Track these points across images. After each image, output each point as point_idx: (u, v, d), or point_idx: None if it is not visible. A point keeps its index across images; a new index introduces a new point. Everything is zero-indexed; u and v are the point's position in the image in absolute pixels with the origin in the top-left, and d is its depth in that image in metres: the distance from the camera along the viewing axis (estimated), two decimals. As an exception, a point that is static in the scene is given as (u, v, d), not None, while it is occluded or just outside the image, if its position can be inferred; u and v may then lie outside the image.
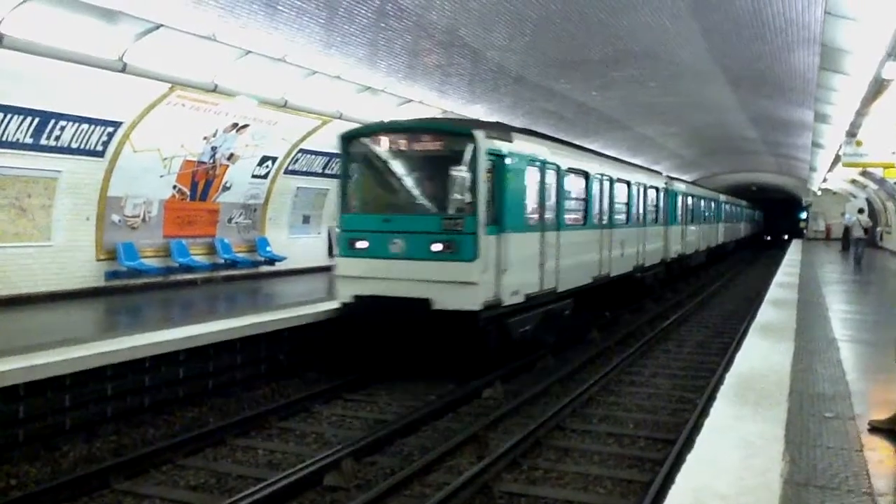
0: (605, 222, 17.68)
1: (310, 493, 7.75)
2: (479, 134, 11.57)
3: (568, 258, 14.56)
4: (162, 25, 13.09)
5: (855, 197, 42.61)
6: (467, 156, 11.55)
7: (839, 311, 13.30)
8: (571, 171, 15.25)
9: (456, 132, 12.13)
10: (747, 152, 39.75)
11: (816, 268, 24.13)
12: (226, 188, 19.88)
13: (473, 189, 11.53)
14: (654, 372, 13.95)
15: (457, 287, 11.36)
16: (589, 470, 8.70)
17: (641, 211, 21.44)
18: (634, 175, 20.82)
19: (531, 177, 13.28)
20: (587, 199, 16.39)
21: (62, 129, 14.65)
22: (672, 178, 27.50)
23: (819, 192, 47.06)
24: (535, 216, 13.47)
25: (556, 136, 17.19)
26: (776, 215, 69.64)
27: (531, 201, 13.33)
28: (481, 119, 18.71)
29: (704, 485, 4.77)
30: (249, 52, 14.58)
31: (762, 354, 8.92)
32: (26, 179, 14.85)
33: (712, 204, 37.54)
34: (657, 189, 23.58)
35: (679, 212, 27.37)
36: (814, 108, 20.14)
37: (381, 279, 11.79)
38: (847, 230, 36.15)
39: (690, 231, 29.83)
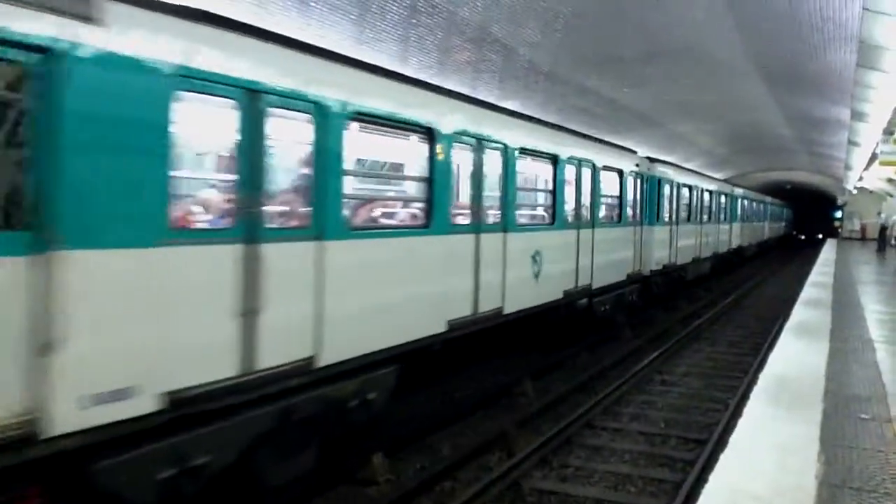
0: (482, 223, 9.80)
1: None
2: None
3: (355, 294, 7.33)
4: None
5: (892, 196, 41.87)
6: None
7: (875, 311, 13.09)
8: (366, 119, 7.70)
9: None
10: (781, 150, 39.19)
11: (851, 268, 23.77)
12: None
13: None
14: (686, 371, 13.85)
15: None
16: (619, 468, 8.68)
17: (584, 205, 13.78)
18: (562, 147, 12.71)
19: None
20: (430, 186, 8.64)
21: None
22: (655, 161, 19.96)
23: (854, 191, 46.31)
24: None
25: (588, 133, 17.03)
26: (810, 214, 68.67)
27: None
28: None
29: (739, 485, 4.73)
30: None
31: (797, 355, 8.80)
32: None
33: (722, 199, 30.47)
34: (622, 174, 16.00)
35: (667, 208, 20.41)
36: (850, 105, 19.81)
37: None
38: (883, 230, 35.61)
39: (686, 233, 22.72)
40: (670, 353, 15.05)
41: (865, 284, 18.69)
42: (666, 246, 20.20)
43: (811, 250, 38.66)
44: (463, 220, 9.46)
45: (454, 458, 8.47)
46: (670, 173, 21.14)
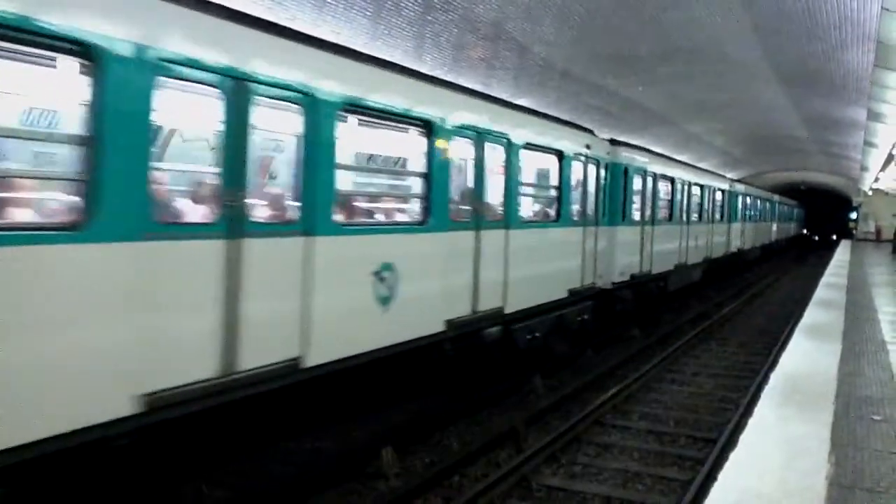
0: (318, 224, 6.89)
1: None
2: None
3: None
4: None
5: (907, 198, 41.58)
6: None
7: (889, 313, 13.01)
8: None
9: None
10: (796, 151, 38.96)
11: (865, 269, 23.61)
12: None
13: None
14: (696, 371, 13.82)
15: None
16: (628, 466, 8.68)
17: (490, 197, 10.07)
18: (442, 109, 8.74)
19: None
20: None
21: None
22: (620, 144, 16.34)
23: (870, 193, 45.99)
24: None
25: (599, 131, 17.03)
26: (824, 215, 68.25)
27: None
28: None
29: (748, 485, 4.73)
30: (297, 43, 14.70)
31: (808, 355, 8.77)
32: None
33: (718, 195, 26.97)
34: (563, 158, 12.20)
35: (638, 204, 17.02)
36: (867, 106, 19.69)
37: None
38: (899, 232, 35.37)
39: (667, 235, 19.26)
40: (679, 353, 15.02)
41: (879, 286, 18.57)
42: (636, 251, 16.44)
43: (825, 252, 38.19)
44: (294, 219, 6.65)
45: (463, 454, 8.49)
46: (642, 161, 17.11)
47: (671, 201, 20.11)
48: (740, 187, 32.13)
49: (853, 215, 56.43)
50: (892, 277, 22.48)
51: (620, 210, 15.53)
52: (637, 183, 16.79)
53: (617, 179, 15.35)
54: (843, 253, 31.17)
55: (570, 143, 12.58)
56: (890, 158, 23.58)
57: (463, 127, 9.13)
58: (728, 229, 28.86)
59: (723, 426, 10.02)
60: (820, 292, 15.61)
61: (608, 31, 15.95)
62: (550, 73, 18.76)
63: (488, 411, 10.50)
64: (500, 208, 10.13)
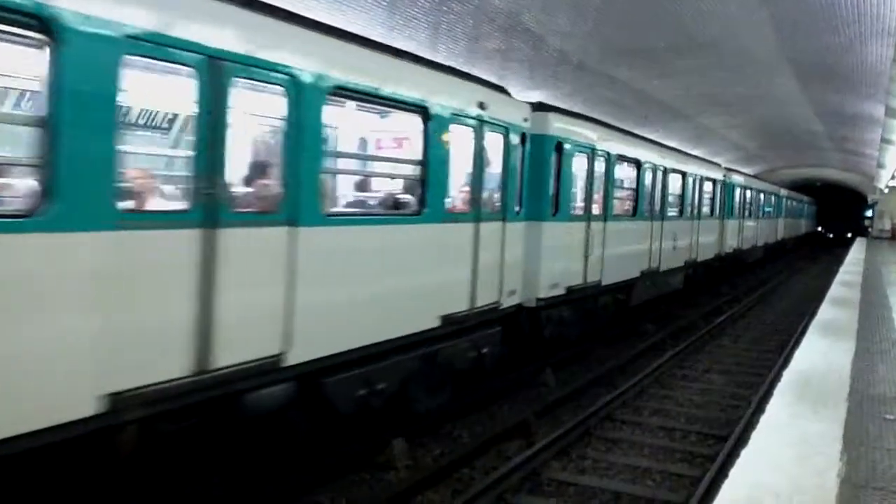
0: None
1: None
2: None
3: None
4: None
5: (924, 196, 41.23)
6: None
7: (904, 312, 12.92)
8: None
9: None
10: (812, 147, 38.70)
11: (881, 268, 23.43)
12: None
13: None
14: (708, 367, 13.77)
15: None
16: (638, 462, 8.66)
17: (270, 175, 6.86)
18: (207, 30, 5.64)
19: None
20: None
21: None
22: (551, 111, 12.29)
23: (886, 190, 45.62)
24: None
25: (611, 122, 16.87)
26: (839, 212, 67.79)
27: None
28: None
29: (759, 481, 4.70)
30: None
31: (822, 353, 8.70)
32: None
33: (708, 186, 22.55)
34: (429, 120, 8.15)
35: (580, 192, 13.13)
36: (885, 102, 19.51)
37: None
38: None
39: (629, 233, 15.33)
40: (691, 349, 14.96)
41: (894, 285, 18.44)
42: (576, 254, 12.47)
43: (840, 250, 37.45)
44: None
45: (473, 446, 8.49)
46: (588, 136, 12.87)
47: (637, 191, 15.75)
48: (738, 178, 27.84)
49: (868, 213, 56.04)
50: (907, 275, 22.31)
51: (549, 200, 11.56)
52: (579, 164, 12.69)
53: (543, 157, 11.29)
54: (857, 251, 30.95)
55: (445, 98, 8.33)
56: (907, 155, 23.36)
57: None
58: (722, 227, 24.36)
59: (734, 423, 9.97)
60: (834, 290, 15.50)
61: (623, 22, 15.86)
62: (565, 65, 18.68)
63: (499, 404, 10.49)
64: (281, 196, 6.34)
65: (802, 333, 11.00)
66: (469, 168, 9.22)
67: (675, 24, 16.02)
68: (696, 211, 20.79)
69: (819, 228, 68.00)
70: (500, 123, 9.56)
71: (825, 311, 12.23)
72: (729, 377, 13.03)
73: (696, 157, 23.09)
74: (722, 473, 6.96)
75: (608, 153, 13.77)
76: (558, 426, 9.25)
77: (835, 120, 28.36)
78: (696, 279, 21.60)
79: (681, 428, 10.00)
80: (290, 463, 7.17)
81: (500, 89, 10.24)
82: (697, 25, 16.03)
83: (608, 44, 17.51)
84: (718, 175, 24.17)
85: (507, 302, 10.05)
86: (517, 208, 10.19)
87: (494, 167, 9.73)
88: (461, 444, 8.78)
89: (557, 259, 11.78)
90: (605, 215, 13.64)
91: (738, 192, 27.16)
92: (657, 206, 17.17)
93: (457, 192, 9.22)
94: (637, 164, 15.74)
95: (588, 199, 13.06)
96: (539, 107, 11.70)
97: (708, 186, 22.56)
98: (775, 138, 35.96)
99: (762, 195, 33.66)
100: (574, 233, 12.44)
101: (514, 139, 10.02)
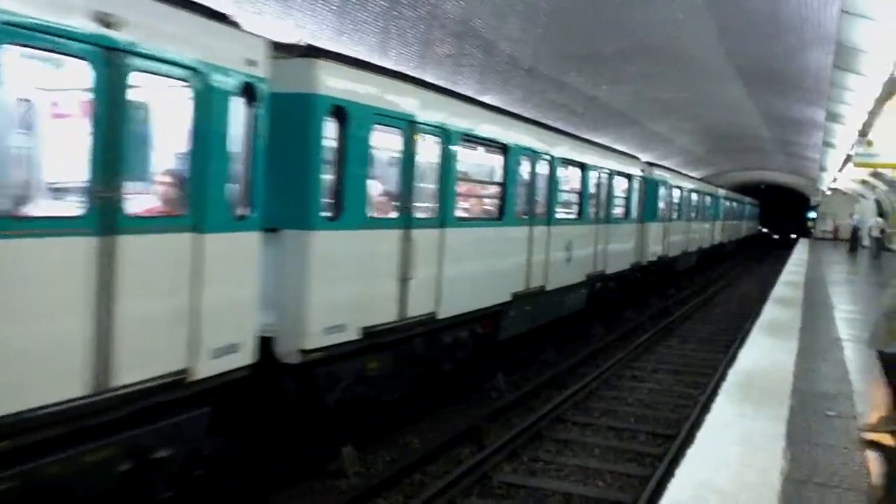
0: None
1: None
2: None
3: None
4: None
5: (864, 198, 42.41)
6: None
7: (844, 311, 13.25)
8: None
9: None
10: (758, 150, 39.57)
11: (823, 268, 24.04)
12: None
13: None
14: (656, 367, 13.95)
15: None
16: (588, 463, 8.72)
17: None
18: None
19: None
20: None
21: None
22: (338, 63, 7.87)
23: (828, 192, 46.85)
24: None
25: (565, 129, 16.96)
26: (784, 214, 69.35)
27: None
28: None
29: (705, 480, 4.77)
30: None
31: (766, 352, 8.90)
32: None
33: (618, 182, 18.00)
34: (113, 58, 5.01)
35: (422, 189, 9.35)
36: (826, 107, 20.02)
37: None
38: (855, 231, 36.09)
39: (482, 243, 10.94)
40: (640, 350, 15.14)
41: (836, 284, 18.92)
42: (382, 279, 8.42)
43: (784, 251, 38.00)
44: None
45: (424, 452, 8.46)
46: (403, 103, 8.77)
47: (504, 187, 11.63)
48: (663, 175, 23.66)
49: (812, 215, 57.46)
50: (848, 276, 22.91)
51: (319, 197, 7.51)
52: (385, 143, 8.71)
53: (303, 129, 7.41)
54: (801, 252, 31.71)
55: (171, 41, 5.54)
56: (848, 159, 24.01)
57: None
58: (641, 231, 20.51)
59: (682, 422, 10.10)
60: (778, 290, 15.85)
61: (573, 29, 16.03)
62: (516, 71, 18.80)
63: (450, 409, 10.48)
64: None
65: (748, 333, 11.21)
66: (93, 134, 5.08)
67: (624, 30, 16.24)
68: (602, 213, 16.64)
69: (765, 230, 69.38)
70: (172, 61, 5.52)
71: (769, 311, 12.50)
72: (677, 377, 13.21)
73: (605, 147, 18.64)
74: (670, 472, 7.05)
75: (446, 130, 9.59)
76: (509, 429, 9.27)
77: (779, 124, 29.03)
78: (608, 295, 17.75)
79: (630, 428, 10.11)
80: (236, 473, 7.07)
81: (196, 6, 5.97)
82: (646, 32, 16.27)
83: (558, 50, 17.68)
84: (636, 170, 19.97)
85: (214, 366, 6.01)
86: (239, 210, 6.31)
87: (161, 135, 6.06)
88: (412, 450, 8.74)
89: (341, 288, 7.63)
90: (444, 219, 9.56)
91: (663, 190, 22.96)
92: (540, 208, 13.00)
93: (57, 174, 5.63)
94: (504, 149, 11.47)
95: (407, 195, 8.79)
96: (303, 51, 7.68)
97: (621, 183, 18.45)
98: (722, 142, 36.67)
99: (695, 195, 29.56)
100: (376, 246, 8.18)
101: (224, 92, 6.01)
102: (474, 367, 11.69)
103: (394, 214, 8.72)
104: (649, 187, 20.98)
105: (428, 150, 9.45)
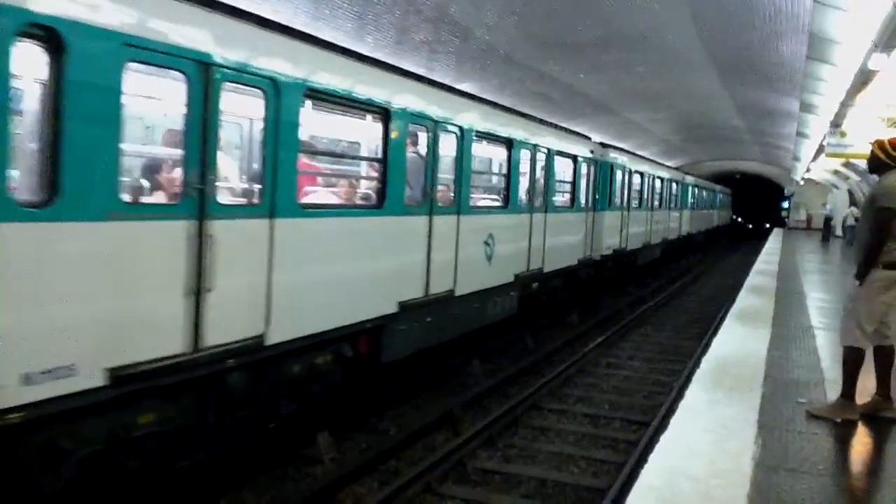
0: None
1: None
2: None
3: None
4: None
5: (837, 188, 42.90)
6: None
7: (817, 299, 13.41)
8: None
9: None
10: (733, 140, 39.83)
11: (796, 257, 24.31)
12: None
13: None
14: (631, 355, 14.05)
15: None
16: (563, 449, 8.78)
17: None
18: None
19: None
20: None
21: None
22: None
23: (802, 182, 47.33)
24: None
25: (542, 118, 16.88)
26: (758, 204, 70.02)
27: None
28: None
29: (677, 466, 4.81)
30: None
31: (739, 340, 8.98)
32: None
33: (563, 164, 15.52)
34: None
35: (227, 163, 7.05)
36: (800, 97, 20.20)
37: None
38: (828, 221, 36.54)
39: (346, 239, 8.01)
40: (616, 338, 15.24)
41: (809, 273, 19.14)
42: (169, 289, 5.82)
43: (758, 242, 37.85)
44: None
45: (400, 438, 8.47)
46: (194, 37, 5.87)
47: (384, 164, 8.68)
48: (621, 158, 20.59)
49: (786, 204, 58.04)
50: (821, 265, 23.20)
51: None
52: (132, 88, 5.60)
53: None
54: (775, 241, 32.04)
55: None
56: (821, 149, 24.26)
57: None
58: (593, 222, 17.58)
59: (656, 409, 10.20)
60: (752, 279, 15.99)
61: (550, 16, 15.99)
62: (493, 58, 18.76)
63: (426, 396, 10.49)
64: None
65: (721, 321, 11.32)
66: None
67: (600, 18, 16.22)
68: (539, 200, 13.79)
69: (739, 220, 69.98)
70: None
71: (743, 299, 12.62)
72: (651, 364, 13.32)
73: (545, 122, 15.70)
74: (644, 459, 7.12)
75: (274, 79, 6.66)
76: (485, 416, 9.31)
77: (754, 114, 29.23)
78: (550, 297, 15.25)
79: (605, 415, 10.19)
80: (211, 461, 7.03)
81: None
82: (622, 21, 16.27)
83: (535, 38, 17.64)
84: (584, 150, 17.03)
85: None
86: None
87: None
88: (388, 437, 8.75)
89: (62, 308, 5.04)
90: (276, 206, 6.76)
91: (620, 175, 20.14)
92: (445, 193, 10.40)
93: None
94: (384, 114, 8.51)
95: (200, 170, 5.94)
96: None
97: (565, 166, 15.75)
98: (698, 132, 36.87)
99: (659, 181, 26.88)
100: (135, 245, 5.52)
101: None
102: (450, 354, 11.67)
103: (177, 199, 5.93)
104: (602, 171, 18.23)
105: (245, 105, 6.96)
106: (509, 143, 12.39)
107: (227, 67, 6.11)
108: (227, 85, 6.18)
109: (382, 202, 8.60)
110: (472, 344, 12.32)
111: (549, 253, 14.21)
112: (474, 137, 10.93)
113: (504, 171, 12.64)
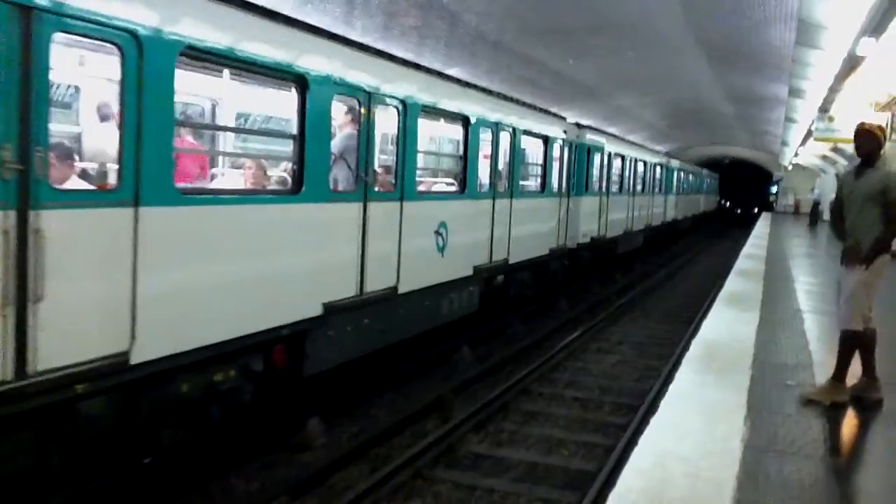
0: None
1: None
2: None
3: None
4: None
5: (825, 173, 43.05)
6: None
7: (805, 283, 13.48)
8: None
9: None
10: (721, 126, 39.89)
11: (784, 241, 24.41)
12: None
13: None
14: (621, 339, 14.09)
15: None
16: (553, 433, 8.81)
17: None
18: None
19: None
20: None
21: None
22: None
23: (790, 167, 47.48)
24: None
25: (533, 103, 16.82)
26: (747, 189, 70.18)
27: None
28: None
29: (667, 448, 4.83)
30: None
31: (728, 324, 9.02)
32: None
33: (532, 145, 14.50)
34: None
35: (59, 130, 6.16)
36: (788, 83, 20.24)
37: None
38: (816, 205, 36.68)
39: (249, 232, 6.61)
40: (605, 323, 15.28)
41: (797, 257, 19.22)
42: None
43: (747, 227, 37.66)
44: None
45: (390, 424, 8.48)
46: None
47: (302, 139, 7.33)
48: (598, 139, 19.14)
49: (774, 189, 58.24)
50: (808, 249, 23.31)
51: None
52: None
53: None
54: (763, 226, 32.14)
55: None
56: (809, 134, 24.33)
57: None
58: (567, 208, 16.32)
59: (645, 393, 10.24)
60: (740, 263, 16.05)
61: (539, 2, 15.93)
62: (482, 44, 18.69)
63: (416, 382, 10.50)
64: None
65: (711, 305, 11.36)
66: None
67: (589, 4, 16.18)
68: (503, 184, 12.50)
69: (727, 205, 70.12)
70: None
71: (731, 283, 12.67)
72: (641, 349, 13.36)
73: (509, 98, 13.75)
74: (633, 442, 7.15)
75: (134, 33, 5.33)
76: (475, 401, 9.32)
77: (742, 100, 29.27)
78: (518, 291, 14.00)
79: (595, 399, 10.22)
80: (201, 447, 7.02)
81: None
82: (611, 6, 16.23)
83: (524, 23, 17.58)
84: (557, 131, 15.51)
85: None
86: None
87: None
88: (378, 423, 8.75)
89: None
90: (137, 192, 5.43)
91: (598, 158, 18.84)
92: (384, 176, 9.20)
93: None
94: (300, 82, 7.22)
95: (21, 143, 4.63)
96: None
97: (534, 148, 14.66)
98: (686, 117, 36.89)
99: (643, 165, 25.65)
100: None
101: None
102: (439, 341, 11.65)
103: None
104: (579, 154, 16.94)
105: (97, 65, 6.05)
106: (465, 121, 10.97)
107: (58, 14, 4.78)
108: (61, 36, 4.93)
109: (300, 187, 7.25)
110: (461, 331, 12.33)
111: (516, 243, 12.91)
112: (420, 113, 9.52)
113: (460, 152, 11.21)
